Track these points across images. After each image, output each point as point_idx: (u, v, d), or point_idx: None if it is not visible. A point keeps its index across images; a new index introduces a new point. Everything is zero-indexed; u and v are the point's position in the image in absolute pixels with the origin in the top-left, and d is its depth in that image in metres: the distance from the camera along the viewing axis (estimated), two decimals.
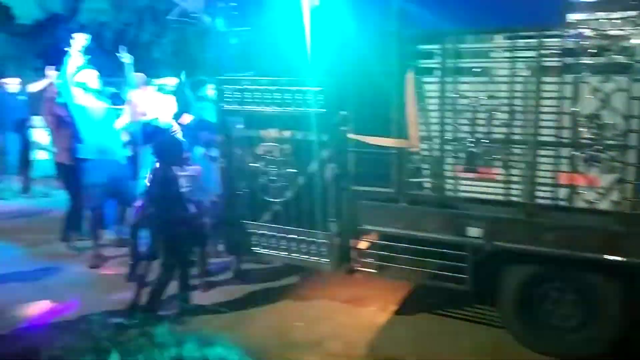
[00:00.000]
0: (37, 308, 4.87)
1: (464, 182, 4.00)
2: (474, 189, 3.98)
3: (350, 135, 4.23)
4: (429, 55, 3.98)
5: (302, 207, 4.47)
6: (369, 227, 4.36)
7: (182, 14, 9.96)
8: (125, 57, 6.37)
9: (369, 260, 4.44)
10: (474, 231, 3.92)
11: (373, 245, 4.43)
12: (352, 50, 4.08)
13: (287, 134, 4.44)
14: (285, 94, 4.35)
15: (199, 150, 5.45)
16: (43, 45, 12.72)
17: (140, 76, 8.20)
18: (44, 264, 5.86)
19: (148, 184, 4.75)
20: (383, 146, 4.11)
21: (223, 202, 4.98)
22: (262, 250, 4.70)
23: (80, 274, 5.63)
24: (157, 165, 4.70)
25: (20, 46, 12.65)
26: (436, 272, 4.16)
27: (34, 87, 7.80)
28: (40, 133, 7.91)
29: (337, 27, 4.11)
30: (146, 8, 10.93)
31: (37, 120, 7.94)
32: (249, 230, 4.71)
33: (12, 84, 8.36)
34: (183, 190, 4.80)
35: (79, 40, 5.66)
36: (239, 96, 4.54)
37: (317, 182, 4.38)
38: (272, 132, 4.50)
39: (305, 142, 4.38)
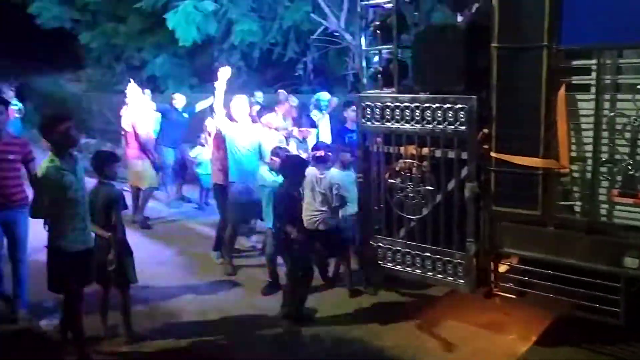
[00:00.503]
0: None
1: (620, 207, 3.69)
2: (631, 215, 3.65)
3: (494, 154, 4.10)
4: (584, 71, 3.75)
5: (440, 225, 4.40)
6: (510, 250, 4.18)
7: (325, 34, 10.39)
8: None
9: (508, 284, 4.25)
10: (630, 261, 3.59)
11: (514, 269, 4.23)
12: (496, 64, 3.97)
13: (426, 151, 4.42)
14: (425, 111, 4.33)
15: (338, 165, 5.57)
16: (199, 65, 13.92)
17: (282, 93, 8.69)
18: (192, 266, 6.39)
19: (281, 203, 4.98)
20: (529, 166, 3.93)
21: (359, 217, 5.07)
22: (397, 267, 4.70)
23: (218, 282, 5.99)
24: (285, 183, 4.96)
25: (178, 66, 13.95)
26: (584, 302, 3.87)
27: (201, 105, 8.52)
28: (201, 149, 8.50)
29: (483, 43, 4.03)
30: (291, 28, 11.47)
31: (201, 138, 8.52)
32: (384, 246, 4.74)
33: (180, 100, 8.88)
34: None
35: (225, 73, 6.08)
36: (379, 113, 4.61)
37: (455, 200, 4.30)
38: (411, 149, 4.50)
39: (444, 160, 4.33)
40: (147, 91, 8.85)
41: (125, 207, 4.81)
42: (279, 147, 5.70)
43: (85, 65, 16.81)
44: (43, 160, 4.02)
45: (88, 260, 4.24)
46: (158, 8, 12.03)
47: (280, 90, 9.08)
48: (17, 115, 13.30)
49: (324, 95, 7.82)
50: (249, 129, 6.13)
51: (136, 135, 7.87)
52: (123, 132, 8.39)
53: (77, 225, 4.10)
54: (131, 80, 8.26)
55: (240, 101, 6.25)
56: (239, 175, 6.03)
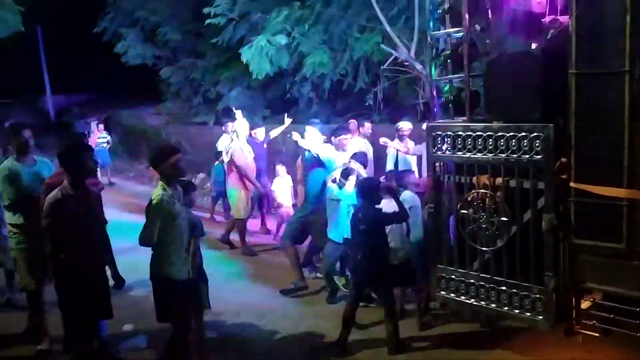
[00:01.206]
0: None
1: None
2: None
3: (573, 184, 3.93)
4: None
5: (515, 257, 4.24)
6: (593, 285, 3.96)
7: (395, 63, 10.43)
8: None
9: (592, 321, 4.01)
10: None
11: (598, 305, 4.00)
12: (575, 91, 3.84)
13: (499, 180, 4.30)
14: (499, 140, 4.23)
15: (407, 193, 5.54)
16: (271, 97, 14.32)
17: (352, 123, 8.80)
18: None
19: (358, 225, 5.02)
20: (612, 196, 3.73)
21: (431, 248, 4.98)
22: (471, 300, 4.55)
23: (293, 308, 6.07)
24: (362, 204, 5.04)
25: (252, 97, 14.40)
26: None
27: (275, 132, 8.66)
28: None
29: (559, 69, 3.92)
30: (362, 59, 11.60)
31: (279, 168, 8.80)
32: (457, 278, 4.61)
33: (260, 134, 8.95)
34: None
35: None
36: (451, 142, 4.55)
37: (532, 232, 4.14)
38: (484, 179, 4.39)
39: (519, 190, 4.19)
40: (244, 121, 8.91)
41: (203, 233, 4.97)
42: (351, 168, 5.81)
43: (165, 98, 17.67)
44: (155, 189, 4.22)
45: (193, 288, 4.41)
46: (233, 43, 12.53)
47: (351, 120, 9.17)
48: (105, 146, 14.22)
49: (405, 125, 7.93)
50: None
51: (236, 165, 8.05)
52: (220, 162, 8.79)
53: (182, 255, 4.25)
54: (236, 110, 8.44)
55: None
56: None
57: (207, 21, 12.22)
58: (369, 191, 5.06)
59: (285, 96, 13.41)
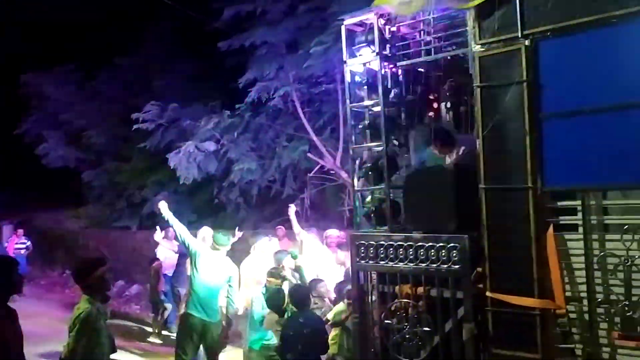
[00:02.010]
0: None
1: (622, 351, 3.58)
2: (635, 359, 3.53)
3: (489, 293, 4.06)
4: (571, 211, 3.84)
5: None
6: None
7: (322, 171, 10.74)
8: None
9: None
10: None
11: None
12: (485, 204, 4.08)
13: (421, 290, 4.38)
14: (419, 249, 4.36)
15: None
16: (198, 202, 14.21)
17: (280, 229, 8.82)
18: None
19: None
20: (525, 306, 3.87)
21: (357, 358, 4.88)
22: None
23: None
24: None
25: (179, 202, 14.22)
26: None
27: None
28: None
29: (472, 184, 4.17)
30: (289, 167, 11.89)
31: None
32: None
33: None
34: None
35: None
36: (374, 251, 4.63)
37: (454, 342, 4.18)
38: (406, 288, 4.46)
39: (440, 299, 4.28)
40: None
41: (115, 350, 4.64)
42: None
43: (86, 202, 17.13)
44: (80, 303, 3.95)
45: None
46: (161, 148, 12.57)
47: (278, 227, 9.20)
48: (23, 252, 13.33)
49: (333, 232, 7.92)
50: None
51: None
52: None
53: None
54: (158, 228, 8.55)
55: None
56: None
57: (135, 126, 12.28)
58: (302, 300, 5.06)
59: (213, 201, 13.35)
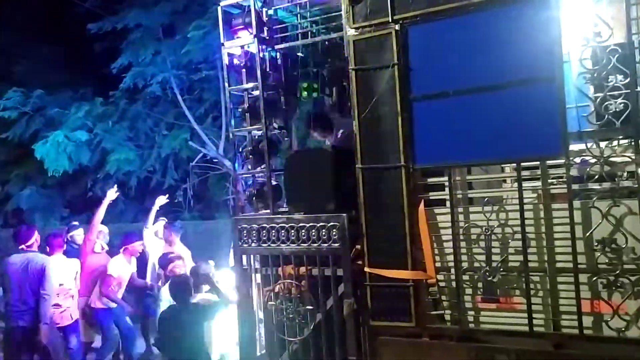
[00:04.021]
0: None
1: (485, 313, 3.90)
2: (496, 320, 3.87)
3: (367, 269, 4.23)
4: (440, 187, 4.10)
5: (321, 345, 4.35)
6: None
7: (204, 160, 10.54)
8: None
9: None
10: None
11: None
12: (362, 184, 4.23)
13: (303, 270, 4.46)
14: (300, 230, 4.43)
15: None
16: (70, 195, 13.34)
17: (161, 220, 8.53)
18: None
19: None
20: (400, 278, 4.08)
21: (240, 342, 4.88)
22: None
23: None
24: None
25: (48, 197, 13.27)
26: None
27: None
28: None
29: (350, 164, 4.30)
30: (170, 156, 11.53)
31: None
32: None
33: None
34: None
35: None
36: (256, 234, 4.64)
37: (336, 318, 4.31)
38: (289, 269, 4.52)
39: (322, 278, 4.38)
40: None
41: None
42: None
43: None
44: None
45: None
46: (26, 138, 11.62)
47: (161, 219, 8.87)
48: None
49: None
50: None
51: None
52: None
53: None
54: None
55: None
56: None
57: None
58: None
59: (86, 194, 12.61)
